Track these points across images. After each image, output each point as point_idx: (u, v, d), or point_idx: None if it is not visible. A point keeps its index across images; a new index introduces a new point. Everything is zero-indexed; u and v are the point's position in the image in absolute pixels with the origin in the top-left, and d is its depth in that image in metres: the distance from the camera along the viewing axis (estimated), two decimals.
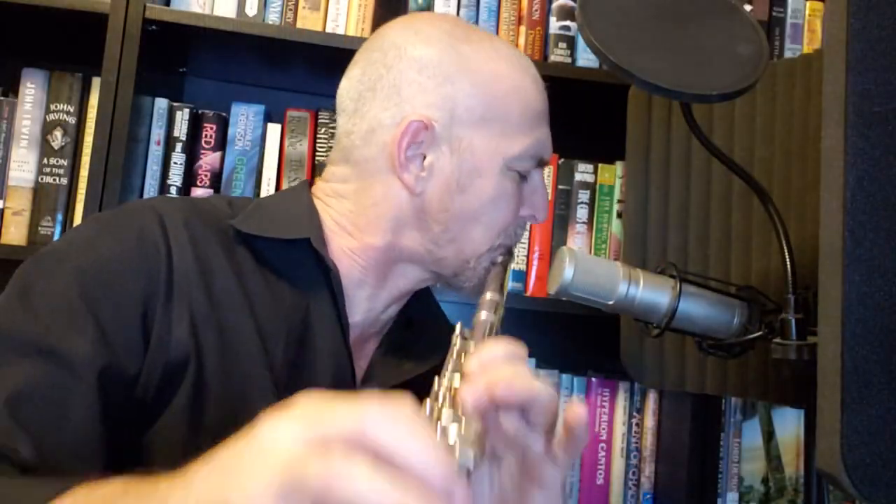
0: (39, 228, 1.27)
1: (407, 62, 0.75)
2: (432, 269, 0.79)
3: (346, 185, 0.78)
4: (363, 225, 0.77)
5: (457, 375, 0.57)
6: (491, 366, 0.55)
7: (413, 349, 0.83)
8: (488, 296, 0.69)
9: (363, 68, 0.78)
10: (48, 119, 1.30)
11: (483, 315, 0.66)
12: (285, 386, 0.71)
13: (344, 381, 0.75)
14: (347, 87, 0.79)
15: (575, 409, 0.56)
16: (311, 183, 0.84)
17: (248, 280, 0.72)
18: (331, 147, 1.19)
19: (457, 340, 0.64)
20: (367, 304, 0.79)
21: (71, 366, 0.61)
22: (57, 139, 1.29)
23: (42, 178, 1.28)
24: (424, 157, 0.74)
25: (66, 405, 0.61)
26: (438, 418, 0.53)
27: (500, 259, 0.79)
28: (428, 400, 0.57)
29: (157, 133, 1.34)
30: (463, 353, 0.61)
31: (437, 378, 0.59)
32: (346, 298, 0.76)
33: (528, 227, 0.80)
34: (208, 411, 0.67)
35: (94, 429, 0.62)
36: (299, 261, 0.74)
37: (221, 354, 0.68)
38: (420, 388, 0.69)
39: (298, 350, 0.73)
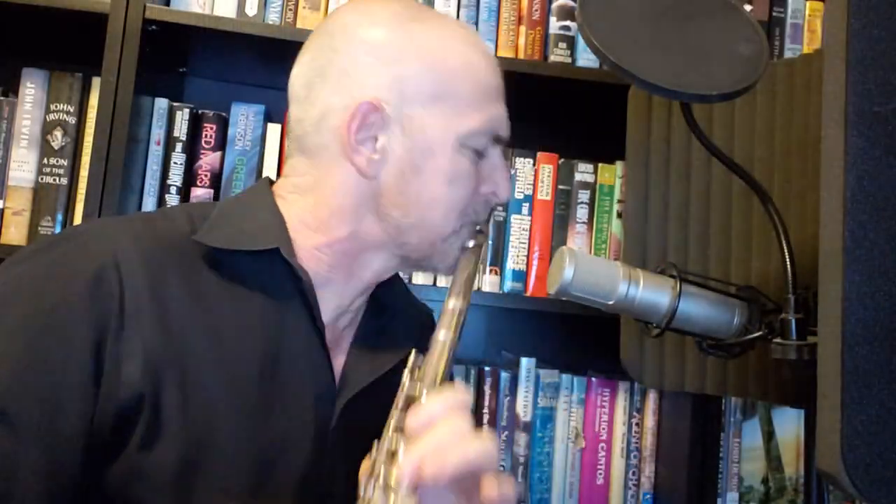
0: (39, 228, 1.27)
1: (356, 44, 0.74)
2: (399, 254, 0.78)
3: (304, 178, 0.77)
4: (326, 217, 0.75)
5: (398, 437, 0.60)
6: (430, 425, 0.58)
7: (387, 337, 0.82)
8: (450, 304, 0.69)
9: (312, 53, 0.77)
10: (48, 119, 1.30)
11: (441, 335, 0.66)
12: (262, 403, 0.70)
13: (324, 385, 0.75)
14: (298, 73, 0.78)
15: (490, 489, 0.58)
16: (272, 181, 0.82)
17: (213, 302, 0.70)
18: None
19: (406, 378, 0.64)
20: (336, 300, 0.78)
21: (17, 429, 0.60)
22: (57, 139, 1.29)
23: (42, 178, 1.28)
24: (377, 140, 0.73)
25: (12, 470, 0.59)
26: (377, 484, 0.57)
27: (471, 244, 0.78)
28: (369, 465, 0.61)
29: (157, 133, 1.34)
30: (410, 402, 0.63)
31: (383, 432, 0.62)
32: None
33: (492, 206, 0.79)
34: (168, 446, 0.65)
35: (44, 490, 0.61)
36: (268, 270, 0.73)
37: (181, 388, 0.66)
38: (397, 375, 0.70)
39: (275, 362, 0.72)
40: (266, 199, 0.78)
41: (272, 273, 0.73)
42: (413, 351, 0.66)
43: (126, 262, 0.67)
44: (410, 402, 0.63)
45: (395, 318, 0.85)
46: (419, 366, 0.65)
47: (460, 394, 0.60)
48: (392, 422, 0.62)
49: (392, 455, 0.59)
